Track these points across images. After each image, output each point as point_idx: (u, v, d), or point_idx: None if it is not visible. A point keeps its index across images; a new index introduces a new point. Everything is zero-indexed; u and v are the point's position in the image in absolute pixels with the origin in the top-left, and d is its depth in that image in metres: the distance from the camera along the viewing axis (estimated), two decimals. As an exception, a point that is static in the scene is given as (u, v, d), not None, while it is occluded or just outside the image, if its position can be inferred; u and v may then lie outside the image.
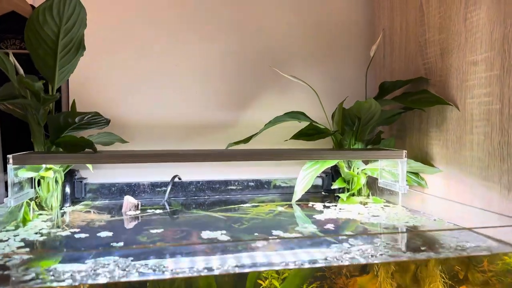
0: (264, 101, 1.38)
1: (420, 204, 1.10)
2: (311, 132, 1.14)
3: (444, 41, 1.05)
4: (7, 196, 0.91)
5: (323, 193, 1.33)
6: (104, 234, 0.85)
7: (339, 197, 1.19)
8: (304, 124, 1.18)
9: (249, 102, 1.38)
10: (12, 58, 0.95)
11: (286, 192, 1.33)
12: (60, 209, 1.08)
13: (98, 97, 1.27)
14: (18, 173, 0.93)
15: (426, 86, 1.13)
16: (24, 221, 0.93)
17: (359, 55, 1.44)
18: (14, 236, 0.81)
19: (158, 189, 1.26)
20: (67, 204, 1.11)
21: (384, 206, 1.12)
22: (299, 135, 1.13)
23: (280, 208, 1.11)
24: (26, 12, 1.22)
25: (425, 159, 1.12)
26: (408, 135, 1.22)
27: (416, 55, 1.18)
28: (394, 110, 1.19)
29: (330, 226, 0.92)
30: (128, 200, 1.04)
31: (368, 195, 1.24)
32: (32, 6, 1.24)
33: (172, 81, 1.32)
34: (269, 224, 0.97)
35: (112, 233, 0.86)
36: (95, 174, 1.23)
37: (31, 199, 1.02)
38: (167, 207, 1.17)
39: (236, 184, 1.32)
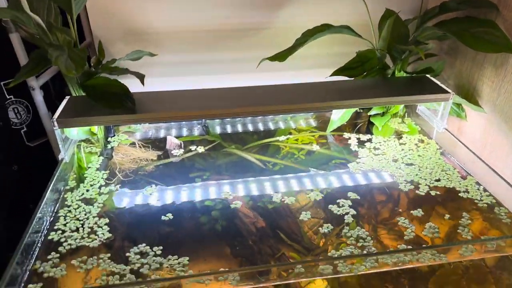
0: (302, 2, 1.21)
1: (452, 147, 1.10)
2: (356, 65, 1.05)
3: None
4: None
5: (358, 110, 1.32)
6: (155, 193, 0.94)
7: (373, 124, 1.19)
8: (346, 47, 1.08)
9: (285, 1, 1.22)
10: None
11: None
12: (106, 140, 1.14)
13: (118, 7, 1.15)
14: (64, 130, 0.96)
15: (495, 17, 0.97)
16: (80, 171, 1.00)
17: None
18: (79, 200, 0.90)
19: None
20: (111, 134, 1.16)
21: (418, 143, 1.13)
22: (342, 70, 1.05)
23: (315, 147, 1.13)
24: None
25: (471, 93, 1.06)
26: (459, 58, 1.11)
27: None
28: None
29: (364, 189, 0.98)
30: (171, 141, 1.08)
31: (404, 115, 1.23)
32: None
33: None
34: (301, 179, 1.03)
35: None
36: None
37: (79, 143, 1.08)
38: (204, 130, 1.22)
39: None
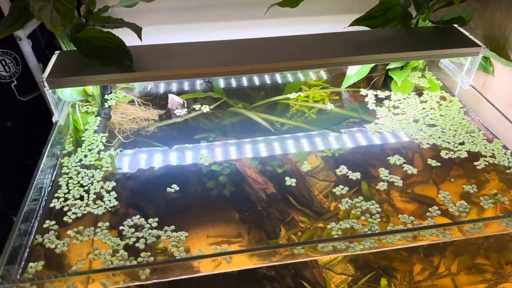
0: None
1: (476, 105, 1.02)
2: (378, 14, 0.94)
3: None
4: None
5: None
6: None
7: (391, 78, 1.10)
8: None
9: None
10: None
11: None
12: (103, 98, 1.05)
13: None
14: (57, 91, 0.87)
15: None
16: (77, 133, 0.93)
17: None
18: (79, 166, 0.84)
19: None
20: (108, 91, 1.07)
21: (440, 101, 1.04)
22: (362, 20, 0.94)
23: (329, 107, 1.05)
24: None
25: (502, 46, 0.96)
26: (491, 6, 1.00)
27: None
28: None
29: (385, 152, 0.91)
30: (173, 99, 1.00)
31: (424, 68, 1.14)
32: None
33: None
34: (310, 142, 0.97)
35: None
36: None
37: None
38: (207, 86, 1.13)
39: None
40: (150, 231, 0.73)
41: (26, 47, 0.94)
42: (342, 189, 0.82)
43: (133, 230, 0.74)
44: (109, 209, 0.77)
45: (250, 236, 0.76)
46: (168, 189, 0.82)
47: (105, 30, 0.84)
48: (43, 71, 0.89)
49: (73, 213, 0.75)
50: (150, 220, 0.75)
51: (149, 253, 0.69)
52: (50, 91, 0.83)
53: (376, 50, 0.91)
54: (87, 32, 0.86)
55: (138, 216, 0.76)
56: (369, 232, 0.73)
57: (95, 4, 0.88)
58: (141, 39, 0.78)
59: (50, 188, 0.80)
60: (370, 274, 0.78)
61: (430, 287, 0.80)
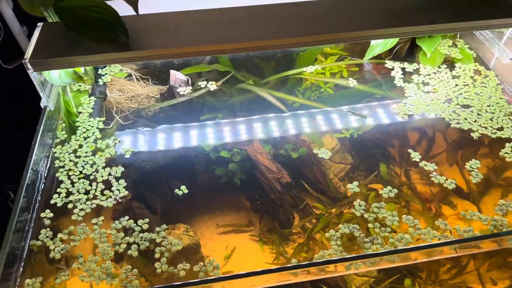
0: None
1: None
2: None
3: None
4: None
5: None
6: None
7: (418, 46, 0.97)
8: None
9: None
10: None
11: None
12: (97, 73, 0.93)
13: None
14: (43, 73, 0.75)
15: None
16: (69, 117, 0.83)
17: None
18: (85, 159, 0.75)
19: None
20: (102, 66, 0.95)
21: (474, 75, 0.93)
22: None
23: (352, 83, 0.93)
24: None
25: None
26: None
27: None
28: None
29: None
30: (176, 76, 0.88)
31: (456, 35, 1.01)
32: None
33: None
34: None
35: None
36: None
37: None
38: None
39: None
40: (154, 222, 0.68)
41: (7, 9, 0.84)
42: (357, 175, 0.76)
43: (133, 223, 0.67)
44: (119, 200, 0.71)
45: (261, 225, 0.71)
46: (173, 180, 0.75)
47: (95, -2, 0.72)
48: (28, 35, 0.78)
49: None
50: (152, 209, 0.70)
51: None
52: (35, 73, 0.72)
53: (407, 20, 0.79)
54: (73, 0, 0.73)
55: (143, 207, 0.70)
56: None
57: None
58: (137, 13, 0.66)
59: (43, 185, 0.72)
60: (394, 277, 0.72)
61: (455, 285, 0.75)
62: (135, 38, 0.73)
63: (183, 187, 0.73)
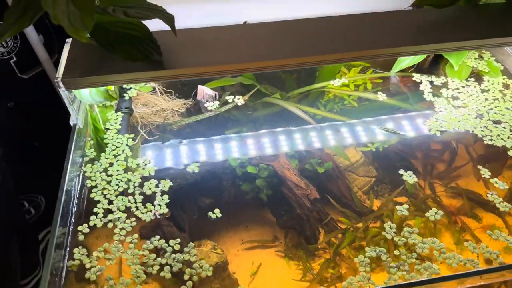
0: None
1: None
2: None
3: None
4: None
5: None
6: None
7: (443, 57, 0.97)
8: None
9: None
10: None
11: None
12: (121, 87, 0.92)
13: None
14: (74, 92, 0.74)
15: None
16: (97, 133, 0.82)
17: None
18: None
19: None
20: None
21: (503, 89, 0.92)
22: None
23: (380, 98, 0.92)
24: None
25: None
26: None
27: None
28: None
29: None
30: (204, 91, 0.87)
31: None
32: None
33: None
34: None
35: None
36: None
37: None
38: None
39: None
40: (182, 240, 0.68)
41: None
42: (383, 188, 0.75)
43: (162, 241, 0.67)
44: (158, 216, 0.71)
45: (287, 240, 0.71)
46: (201, 196, 0.75)
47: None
48: (44, 43, 0.76)
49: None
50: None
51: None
52: (67, 92, 0.71)
53: (439, 37, 0.77)
54: (104, 16, 0.71)
55: (171, 224, 0.70)
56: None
57: (112, -18, 0.72)
58: (175, 34, 0.64)
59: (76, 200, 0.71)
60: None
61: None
62: (167, 55, 0.72)
63: (209, 201, 0.73)
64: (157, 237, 0.68)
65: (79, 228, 0.67)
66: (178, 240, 0.67)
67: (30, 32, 0.88)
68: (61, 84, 0.68)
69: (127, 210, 0.71)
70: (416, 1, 0.80)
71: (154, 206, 0.72)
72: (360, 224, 0.71)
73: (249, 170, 0.80)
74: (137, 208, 0.71)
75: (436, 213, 0.72)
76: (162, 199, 0.72)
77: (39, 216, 1.16)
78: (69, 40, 0.75)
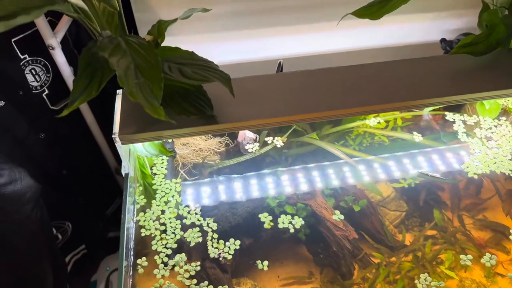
0: None
1: None
2: (481, 39, 0.81)
3: None
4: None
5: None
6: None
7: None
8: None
9: None
10: None
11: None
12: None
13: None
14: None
15: None
16: (145, 178, 0.84)
17: None
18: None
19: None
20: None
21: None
22: (465, 46, 0.81)
23: (417, 139, 0.94)
24: None
25: None
26: None
27: None
28: None
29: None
30: (245, 134, 0.89)
31: None
32: None
33: None
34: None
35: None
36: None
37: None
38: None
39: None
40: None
41: (60, 57, 0.85)
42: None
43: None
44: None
45: (322, 276, 0.74)
46: (241, 236, 0.78)
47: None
48: (75, 74, 0.77)
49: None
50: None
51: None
52: (123, 146, 0.73)
53: (482, 85, 0.80)
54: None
55: (215, 266, 0.74)
56: None
57: (164, 37, 0.74)
58: (233, 95, 0.66)
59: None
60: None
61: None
62: (217, 106, 0.73)
63: (248, 242, 0.77)
64: (206, 282, 0.70)
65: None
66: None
67: (65, 70, 0.90)
68: (117, 139, 0.70)
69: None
70: (453, 50, 0.82)
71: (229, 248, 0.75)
72: (393, 259, 0.75)
73: (288, 210, 0.82)
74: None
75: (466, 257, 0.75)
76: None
77: (65, 241, 1.19)
78: (120, 92, 0.77)
